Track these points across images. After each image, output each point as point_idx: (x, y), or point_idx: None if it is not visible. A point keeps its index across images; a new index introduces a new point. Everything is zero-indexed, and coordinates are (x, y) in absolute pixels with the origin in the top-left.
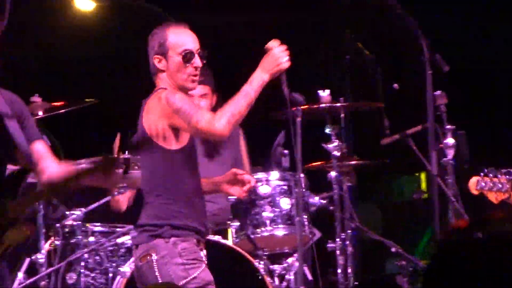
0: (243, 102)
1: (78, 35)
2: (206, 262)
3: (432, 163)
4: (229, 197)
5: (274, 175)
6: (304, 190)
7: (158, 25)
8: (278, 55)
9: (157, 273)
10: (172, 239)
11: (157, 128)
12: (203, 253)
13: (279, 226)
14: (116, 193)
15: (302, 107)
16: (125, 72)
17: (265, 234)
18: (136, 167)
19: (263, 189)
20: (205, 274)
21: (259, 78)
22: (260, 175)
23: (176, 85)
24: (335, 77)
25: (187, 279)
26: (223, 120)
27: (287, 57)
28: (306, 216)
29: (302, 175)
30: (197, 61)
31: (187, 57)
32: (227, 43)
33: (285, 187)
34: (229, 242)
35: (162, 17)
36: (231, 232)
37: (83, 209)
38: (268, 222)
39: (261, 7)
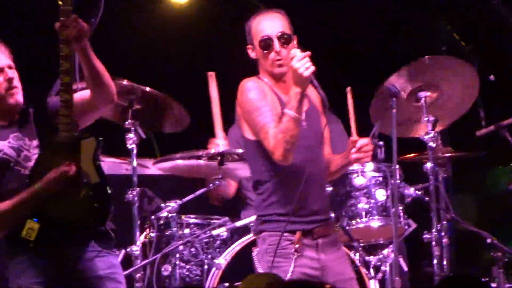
0: (292, 125)
1: (171, 30)
2: (300, 254)
3: None
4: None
5: (369, 166)
6: (399, 181)
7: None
8: (297, 66)
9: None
10: (262, 234)
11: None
12: (309, 242)
13: (375, 217)
14: (211, 184)
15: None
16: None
17: (361, 225)
18: (231, 159)
19: (358, 181)
20: (296, 270)
21: (293, 95)
22: (356, 166)
23: (267, 71)
24: None
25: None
26: (280, 150)
27: (308, 64)
28: (401, 207)
29: (397, 166)
30: (276, 46)
31: (264, 43)
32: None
33: (380, 179)
34: None
35: (255, 6)
36: None
37: (178, 201)
38: (363, 213)
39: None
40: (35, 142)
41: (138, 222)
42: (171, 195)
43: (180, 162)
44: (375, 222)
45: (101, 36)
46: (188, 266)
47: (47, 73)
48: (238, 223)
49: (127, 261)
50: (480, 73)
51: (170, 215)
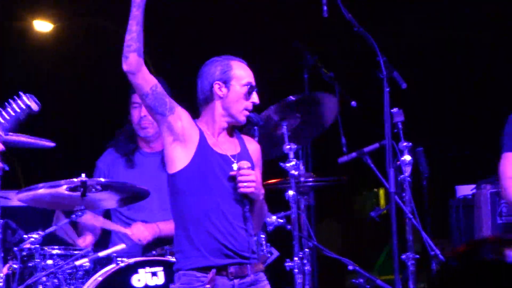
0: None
1: (38, 57)
2: None
3: (390, 180)
4: None
5: None
6: None
7: (216, 56)
8: (240, 178)
9: None
10: (178, 272)
11: None
12: (224, 282)
13: None
14: (74, 216)
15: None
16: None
17: None
18: (94, 190)
19: None
20: None
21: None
22: None
23: (228, 114)
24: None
25: None
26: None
27: (251, 184)
28: (263, 236)
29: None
30: (255, 98)
31: (250, 89)
32: None
33: None
34: None
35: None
36: None
37: (41, 232)
38: None
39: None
40: None
41: (2, 254)
42: (34, 226)
43: (42, 192)
44: None
45: None
46: None
47: None
48: (101, 254)
49: None
50: (342, 100)
51: (33, 246)
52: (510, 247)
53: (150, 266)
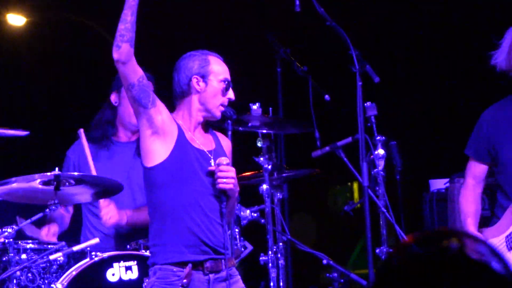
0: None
1: (11, 51)
2: None
3: (363, 174)
4: None
5: None
6: None
7: (193, 49)
8: (219, 174)
9: None
10: (154, 267)
11: None
12: (199, 277)
13: None
14: (47, 210)
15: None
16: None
17: None
18: (67, 184)
19: None
20: None
21: None
22: None
23: (205, 109)
24: (267, 89)
25: None
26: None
27: (230, 180)
28: (237, 230)
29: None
30: (231, 94)
31: (227, 85)
32: None
33: None
34: None
35: (95, 31)
36: None
37: (14, 226)
38: None
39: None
40: None
41: None
42: (8, 220)
43: (15, 186)
44: None
45: None
46: None
47: None
48: (75, 248)
49: None
50: (315, 94)
51: (7, 240)
52: (454, 239)
53: (125, 261)
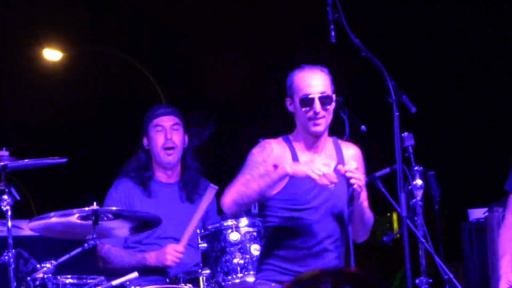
0: (252, 187)
1: (48, 85)
2: None
3: (402, 205)
4: (199, 245)
5: (244, 221)
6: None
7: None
8: (349, 175)
9: None
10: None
11: None
12: None
13: (250, 272)
14: (86, 244)
15: None
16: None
17: (236, 281)
18: (106, 218)
19: (233, 236)
20: None
21: (279, 172)
22: (230, 222)
23: (302, 127)
24: None
25: None
26: (229, 198)
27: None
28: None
29: None
30: (317, 106)
31: (306, 102)
32: None
33: (255, 233)
34: None
35: (130, 63)
36: (202, 280)
37: (53, 262)
38: (238, 269)
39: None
40: None
41: (15, 284)
42: (47, 255)
43: (54, 221)
44: (250, 277)
45: None
46: None
47: None
48: (114, 282)
49: None
50: (351, 124)
51: (46, 276)
52: (347, 283)
53: None
